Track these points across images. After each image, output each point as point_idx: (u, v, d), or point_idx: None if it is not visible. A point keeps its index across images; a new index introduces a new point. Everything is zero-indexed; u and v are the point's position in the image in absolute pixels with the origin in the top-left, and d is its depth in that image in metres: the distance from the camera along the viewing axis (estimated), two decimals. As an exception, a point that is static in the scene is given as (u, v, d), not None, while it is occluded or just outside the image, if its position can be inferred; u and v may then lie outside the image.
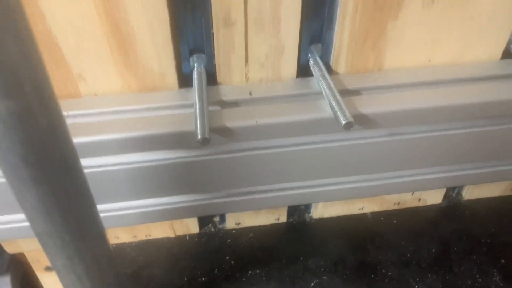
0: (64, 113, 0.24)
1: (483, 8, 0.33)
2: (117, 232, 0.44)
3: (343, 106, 0.30)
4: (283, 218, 0.47)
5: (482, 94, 0.34)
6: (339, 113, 0.30)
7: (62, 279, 0.25)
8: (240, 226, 0.46)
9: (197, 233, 0.46)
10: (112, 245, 0.45)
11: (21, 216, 0.32)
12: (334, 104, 0.30)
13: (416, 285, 0.42)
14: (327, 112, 0.32)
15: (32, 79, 0.18)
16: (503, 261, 0.44)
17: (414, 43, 0.35)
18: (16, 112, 0.17)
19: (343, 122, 0.29)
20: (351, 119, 0.29)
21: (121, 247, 0.45)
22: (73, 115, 0.33)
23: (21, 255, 0.46)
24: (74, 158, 0.21)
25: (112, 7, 0.29)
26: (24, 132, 0.18)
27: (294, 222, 0.47)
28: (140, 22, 0.30)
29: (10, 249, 0.43)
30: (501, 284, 0.42)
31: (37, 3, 0.29)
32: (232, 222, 0.46)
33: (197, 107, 0.30)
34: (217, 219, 0.46)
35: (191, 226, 0.45)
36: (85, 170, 0.23)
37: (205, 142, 0.28)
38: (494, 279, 0.43)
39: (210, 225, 0.46)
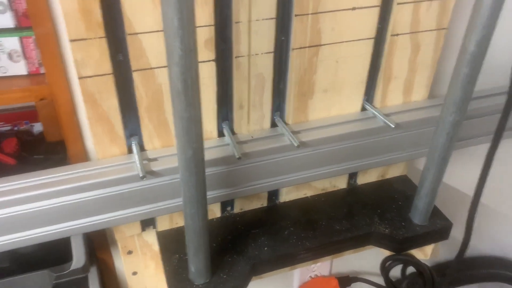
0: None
1: (347, 83, 0.76)
2: (176, 219, 0.80)
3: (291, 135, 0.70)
4: (265, 203, 0.85)
5: (352, 127, 0.76)
6: (292, 139, 0.70)
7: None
8: (242, 210, 0.84)
9: (219, 216, 0.83)
10: (173, 228, 0.81)
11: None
12: (289, 136, 0.70)
13: (337, 227, 0.82)
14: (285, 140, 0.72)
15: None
16: (379, 211, 0.86)
17: (320, 108, 0.76)
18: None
19: (296, 145, 0.69)
20: (298, 144, 0.69)
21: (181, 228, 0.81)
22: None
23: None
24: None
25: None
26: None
27: (270, 205, 0.86)
28: (204, 110, 0.68)
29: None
30: (379, 221, 0.84)
31: (161, 106, 0.66)
32: (238, 208, 0.83)
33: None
34: (229, 208, 0.84)
35: (216, 212, 0.82)
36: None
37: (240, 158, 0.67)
38: (375, 220, 0.84)
39: (225, 212, 0.84)
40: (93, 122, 0.63)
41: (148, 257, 0.81)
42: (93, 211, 0.65)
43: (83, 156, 0.74)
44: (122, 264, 0.82)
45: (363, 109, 0.79)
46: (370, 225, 0.83)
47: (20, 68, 0.67)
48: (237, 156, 0.67)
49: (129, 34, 0.57)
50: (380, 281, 0.91)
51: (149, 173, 0.64)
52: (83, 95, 0.60)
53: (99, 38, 0.56)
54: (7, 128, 0.88)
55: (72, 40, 0.55)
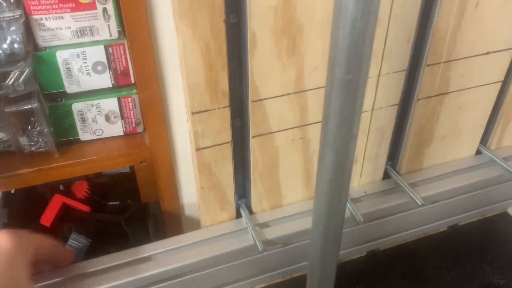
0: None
1: (466, 128, 0.69)
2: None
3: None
4: (364, 252, 0.79)
5: (470, 177, 0.69)
6: (414, 196, 0.63)
7: None
8: (341, 261, 0.78)
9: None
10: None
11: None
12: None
13: (448, 279, 0.76)
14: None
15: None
16: (488, 258, 0.79)
17: (436, 156, 0.69)
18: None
19: (420, 204, 0.62)
20: (422, 203, 0.63)
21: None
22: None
23: None
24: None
25: (307, 164, 0.61)
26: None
27: (370, 254, 0.80)
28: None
29: None
30: (491, 271, 0.77)
31: (273, 167, 0.60)
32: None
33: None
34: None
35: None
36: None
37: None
38: (487, 269, 0.78)
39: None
40: (205, 191, 0.57)
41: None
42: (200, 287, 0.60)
43: (178, 213, 0.69)
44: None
45: (478, 152, 0.72)
46: (482, 275, 0.76)
47: (117, 129, 0.61)
48: (359, 220, 0.60)
49: (253, 101, 0.51)
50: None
51: (264, 243, 0.58)
52: (198, 166, 0.54)
53: (223, 108, 0.50)
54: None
55: (194, 113, 0.49)
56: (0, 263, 0.42)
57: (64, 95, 0.57)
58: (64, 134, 0.59)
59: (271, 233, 0.60)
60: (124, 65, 0.57)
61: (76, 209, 0.73)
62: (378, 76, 0.55)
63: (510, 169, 0.67)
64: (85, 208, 0.71)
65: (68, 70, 0.55)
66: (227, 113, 0.51)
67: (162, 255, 0.57)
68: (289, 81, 0.51)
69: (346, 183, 0.44)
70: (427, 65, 0.57)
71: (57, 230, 0.66)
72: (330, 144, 0.40)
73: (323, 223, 0.47)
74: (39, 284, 0.52)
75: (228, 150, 0.54)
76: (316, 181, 0.45)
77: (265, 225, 0.61)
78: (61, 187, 0.82)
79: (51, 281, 0.53)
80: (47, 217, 0.74)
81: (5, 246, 0.43)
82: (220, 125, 0.51)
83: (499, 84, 0.64)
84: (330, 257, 0.51)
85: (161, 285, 0.56)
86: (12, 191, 0.73)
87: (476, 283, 0.75)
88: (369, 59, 0.36)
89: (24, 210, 0.71)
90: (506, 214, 0.88)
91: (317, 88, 0.52)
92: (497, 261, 0.78)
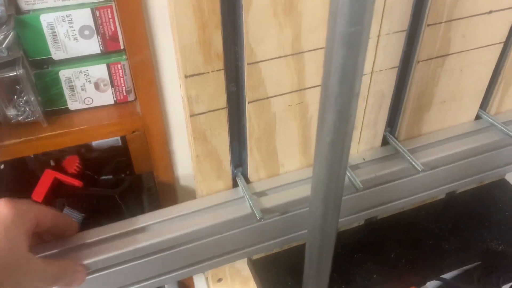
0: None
1: (467, 92, 0.67)
2: (272, 247, 0.73)
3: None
4: (362, 221, 0.78)
5: (472, 142, 0.68)
6: (413, 163, 0.62)
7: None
8: (339, 230, 0.77)
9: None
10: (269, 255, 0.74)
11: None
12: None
13: (447, 246, 0.75)
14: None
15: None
16: (486, 224, 0.79)
17: (435, 121, 0.67)
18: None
19: (419, 170, 0.61)
20: (422, 168, 0.61)
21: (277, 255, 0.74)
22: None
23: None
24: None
25: (305, 131, 0.59)
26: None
27: (368, 223, 0.79)
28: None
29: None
30: (489, 237, 0.77)
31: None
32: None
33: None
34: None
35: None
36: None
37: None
38: (485, 235, 0.77)
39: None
40: (200, 160, 0.55)
41: (237, 283, 0.75)
42: (198, 257, 0.59)
43: (173, 185, 0.68)
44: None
45: (477, 117, 0.71)
46: (481, 241, 0.76)
47: (107, 97, 0.59)
48: (358, 187, 0.59)
49: (249, 64, 0.49)
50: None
51: (262, 211, 0.57)
52: (193, 133, 0.52)
53: (217, 71, 0.48)
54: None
55: (187, 76, 0.47)
56: None
57: (50, 62, 0.54)
58: (52, 103, 0.57)
59: (268, 202, 0.58)
60: (113, 29, 0.54)
61: (68, 184, 0.71)
62: (378, 36, 0.53)
63: (510, 133, 0.66)
64: (77, 183, 0.69)
65: (54, 34, 0.52)
66: (221, 76, 0.48)
67: (158, 225, 0.56)
68: (286, 42, 0.49)
69: (347, 146, 0.43)
70: (428, 25, 0.55)
71: (50, 205, 0.64)
72: (331, 103, 0.39)
73: (323, 188, 0.46)
74: (39, 255, 0.50)
75: (223, 117, 0.52)
76: (316, 144, 0.43)
77: (262, 193, 0.60)
78: (52, 163, 0.79)
79: (51, 251, 0.52)
80: (39, 193, 0.72)
81: (2, 214, 0.42)
82: (215, 89, 0.49)
83: (501, 46, 0.62)
84: (330, 223, 0.50)
85: (159, 255, 0.55)
86: (1, 166, 0.71)
87: (474, 249, 0.74)
88: (372, 10, 0.34)
89: (15, 186, 0.70)
90: (504, 181, 0.87)
91: (316, 49, 0.50)
92: (495, 227, 0.78)
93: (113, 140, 0.74)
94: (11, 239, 0.42)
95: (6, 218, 0.42)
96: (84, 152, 0.83)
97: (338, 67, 0.36)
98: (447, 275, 0.84)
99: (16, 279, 0.41)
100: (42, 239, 0.52)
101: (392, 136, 0.66)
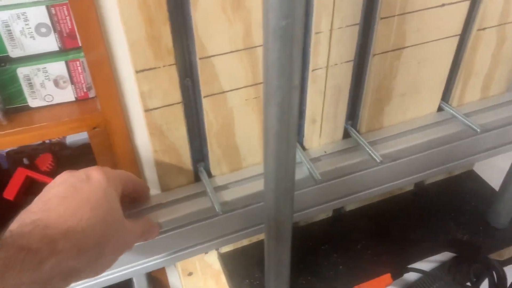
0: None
1: (426, 84, 0.68)
2: (240, 240, 0.74)
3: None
4: (330, 213, 0.79)
5: (432, 133, 0.69)
6: (372, 154, 0.63)
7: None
8: (307, 223, 0.78)
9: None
10: (237, 248, 0.75)
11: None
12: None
13: (412, 237, 0.76)
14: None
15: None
16: (453, 215, 0.80)
17: (396, 113, 0.69)
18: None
19: (378, 161, 0.62)
20: (380, 159, 0.62)
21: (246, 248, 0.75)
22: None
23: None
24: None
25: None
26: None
27: (336, 215, 0.80)
28: (276, 128, 0.61)
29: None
30: (455, 227, 0.78)
31: (230, 129, 0.59)
32: (302, 221, 0.78)
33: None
34: (293, 221, 0.78)
35: (281, 228, 0.76)
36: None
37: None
38: (451, 225, 0.78)
39: (290, 226, 0.78)
40: (159, 155, 0.56)
41: (208, 276, 0.76)
42: (161, 250, 0.59)
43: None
44: (180, 285, 0.78)
45: (439, 109, 0.72)
46: (447, 232, 0.77)
47: (67, 94, 0.59)
48: (317, 179, 0.60)
49: (201, 58, 0.49)
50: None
51: (223, 204, 0.58)
52: (149, 128, 0.53)
53: (168, 65, 0.48)
54: (38, 142, 0.80)
55: (138, 71, 0.47)
56: (97, 197, 0.43)
57: (8, 59, 0.55)
58: (12, 101, 0.57)
59: (229, 195, 0.59)
60: (70, 27, 0.55)
61: (41, 182, 0.71)
62: (331, 30, 0.54)
63: (471, 124, 0.67)
64: (50, 180, 0.69)
65: (9, 32, 0.53)
66: (174, 71, 0.49)
67: (119, 220, 0.56)
68: (237, 37, 0.49)
69: (293, 137, 0.43)
70: (381, 18, 0.55)
71: (21, 203, 0.65)
72: (271, 96, 0.40)
73: (273, 180, 0.47)
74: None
75: (179, 111, 0.53)
76: (263, 137, 0.44)
77: (224, 187, 0.60)
78: (25, 161, 0.80)
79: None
80: (10, 191, 0.73)
81: (98, 179, 0.44)
82: (168, 84, 0.50)
83: (457, 38, 0.63)
84: (284, 214, 0.51)
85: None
86: (-29, 165, 0.72)
87: (440, 239, 0.76)
88: (302, 2, 0.34)
89: (-13, 184, 0.70)
90: (472, 172, 0.89)
91: (267, 44, 0.51)
92: (461, 217, 0.79)
93: (87, 137, 0.75)
94: (110, 202, 0.44)
95: (102, 183, 0.44)
96: (58, 150, 0.84)
97: (275, 61, 0.37)
98: (427, 267, 0.85)
99: (116, 237, 0.44)
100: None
101: (353, 129, 0.67)
